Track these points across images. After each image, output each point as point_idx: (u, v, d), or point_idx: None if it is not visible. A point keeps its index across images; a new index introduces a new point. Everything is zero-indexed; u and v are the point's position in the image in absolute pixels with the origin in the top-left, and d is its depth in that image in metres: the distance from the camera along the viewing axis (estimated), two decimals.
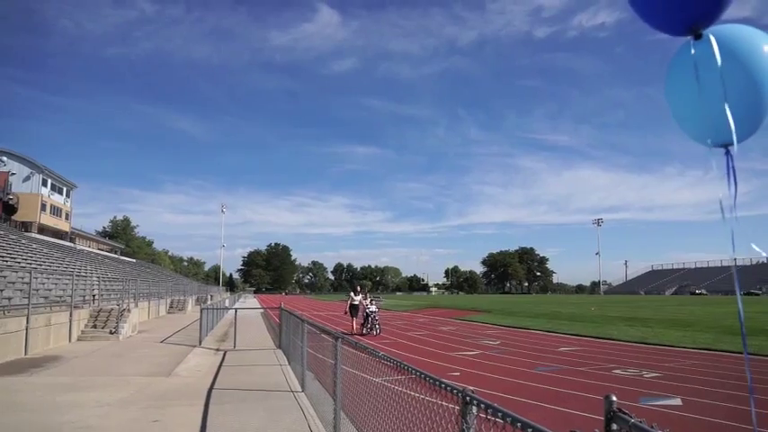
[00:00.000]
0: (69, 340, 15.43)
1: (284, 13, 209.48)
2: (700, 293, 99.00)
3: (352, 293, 20.80)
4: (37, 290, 15.20)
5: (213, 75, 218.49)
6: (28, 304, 12.95)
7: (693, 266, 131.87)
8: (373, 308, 19.45)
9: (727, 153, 2.53)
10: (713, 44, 2.46)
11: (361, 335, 18.60)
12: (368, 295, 20.99)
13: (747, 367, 2.55)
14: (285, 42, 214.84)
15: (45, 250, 29.95)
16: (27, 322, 12.59)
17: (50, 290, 17.15)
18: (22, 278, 15.23)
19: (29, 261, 22.74)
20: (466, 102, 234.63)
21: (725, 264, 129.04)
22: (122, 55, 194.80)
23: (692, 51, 2.53)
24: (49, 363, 11.42)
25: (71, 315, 15.66)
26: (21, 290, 14.40)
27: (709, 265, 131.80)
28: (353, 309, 20.34)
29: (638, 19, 2.72)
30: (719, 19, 2.53)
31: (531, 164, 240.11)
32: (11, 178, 47.95)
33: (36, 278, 15.32)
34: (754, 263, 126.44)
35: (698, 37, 2.53)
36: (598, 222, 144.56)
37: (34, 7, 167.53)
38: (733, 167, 2.49)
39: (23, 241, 29.36)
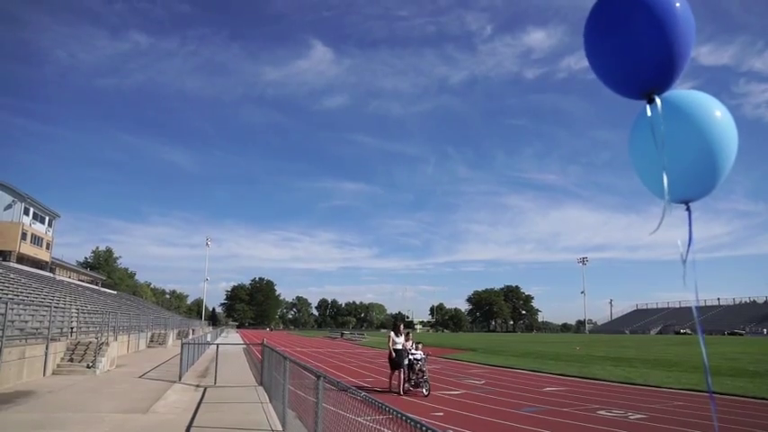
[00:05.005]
0: (44, 374, 14.96)
1: (278, 49, 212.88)
2: (684, 333, 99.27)
3: (392, 334, 14.29)
4: (12, 321, 14.80)
5: (204, 108, 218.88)
6: (2, 336, 12.56)
7: (678, 306, 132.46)
8: (419, 354, 13.88)
9: (687, 209, 2.66)
10: (659, 108, 2.62)
11: (405, 393, 13.58)
12: (410, 336, 14.68)
13: None
14: (277, 78, 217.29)
15: (23, 280, 29.33)
16: (0, 354, 12.22)
17: (27, 321, 16.70)
18: None
19: (5, 291, 22.20)
20: (455, 140, 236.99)
21: (709, 303, 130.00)
22: (114, 86, 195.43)
23: (648, 114, 2.68)
24: (21, 398, 11.02)
25: (47, 348, 15.22)
26: None
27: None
28: (398, 355, 13.87)
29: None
30: (672, 88, 2.69)
31: (518, 202, 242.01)
32: None
33: (12, 309, 14.94)
34: (737, 303, 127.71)
35: (651, 101, 2.68)
36: (583, 261, 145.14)
37: (29, 37, 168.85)
38: (690, 223, 2.61)
39: (0, 270, 28.75)
